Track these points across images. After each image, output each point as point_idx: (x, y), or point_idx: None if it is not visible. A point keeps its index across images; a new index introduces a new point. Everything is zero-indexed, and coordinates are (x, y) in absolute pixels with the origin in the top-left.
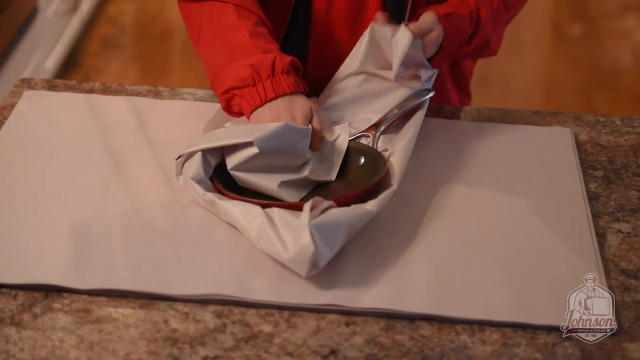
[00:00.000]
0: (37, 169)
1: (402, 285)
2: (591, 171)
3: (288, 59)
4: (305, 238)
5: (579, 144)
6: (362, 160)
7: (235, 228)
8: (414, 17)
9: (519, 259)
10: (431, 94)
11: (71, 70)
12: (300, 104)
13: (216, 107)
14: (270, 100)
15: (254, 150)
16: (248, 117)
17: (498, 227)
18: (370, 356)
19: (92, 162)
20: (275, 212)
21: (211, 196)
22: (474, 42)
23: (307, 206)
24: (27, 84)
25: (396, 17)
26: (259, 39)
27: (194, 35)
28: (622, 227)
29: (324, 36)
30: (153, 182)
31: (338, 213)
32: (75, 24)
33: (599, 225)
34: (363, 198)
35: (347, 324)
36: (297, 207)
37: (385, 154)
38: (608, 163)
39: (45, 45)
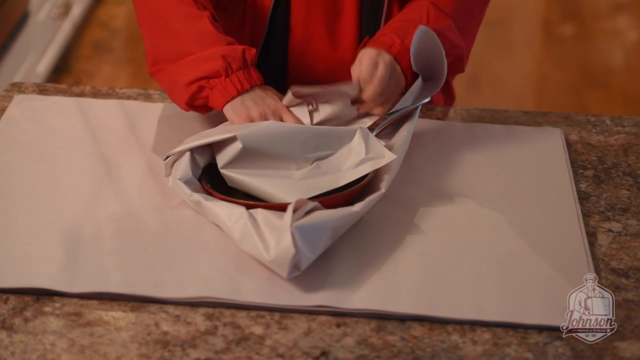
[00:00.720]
0: (27, 172)
1: (392, 286)
2: (581, 171)
3: (254, 50)
4: (287, 240)
5: (569, 144)
6: None
7: (224, 232)
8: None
9: (510, 259)
10: (426, 100)
11: (63, 75)
12: (273, 91)
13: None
14: (245, 92)
15: (238, 145)
16: (220, 110)
17: (489, 228)
18: (361, 357)
19: (83, 165)
20: (259, 213)
21: (197, 197)
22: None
23: (290, 207)
24: (18, 88)
25: (372, 24)
26: (220, 30)
27: (142, 20)
28: (612, 227)
29: (302, 44)
30: (144, 185)
31: (322, 215)
32: (66, 28)
33: (590, 225)
34: (351, 201)
35: (338, 325)
36: (282, 208)
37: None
38: (598, 163)
39: (37, 49)
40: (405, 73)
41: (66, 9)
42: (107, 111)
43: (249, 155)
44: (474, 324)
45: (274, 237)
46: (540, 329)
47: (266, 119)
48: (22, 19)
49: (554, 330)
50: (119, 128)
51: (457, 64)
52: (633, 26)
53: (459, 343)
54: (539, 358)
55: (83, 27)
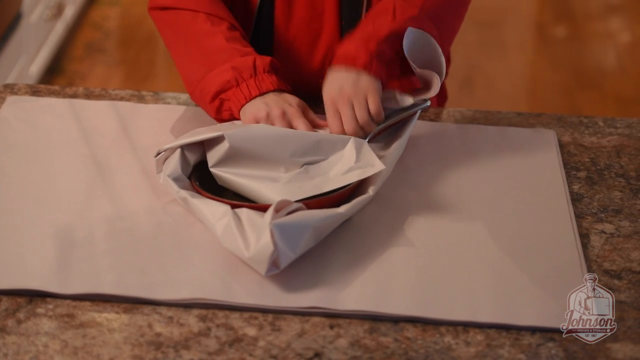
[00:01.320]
0: (20, 174)
1: (386, 287)
2: (574, 172)
3: (268, 59)
4: (266, 237)
5: (562, 145)
6: None
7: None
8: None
9: (503, 260)
10: (427, 104)
11: (55, 76)
12: (291, 96)
13: (199, 110)
14: (255, 97)
15: (226, 144)
16: (239, 119)
17: (482, 229)
18: (355, 358)
19: (76, 166)
20: (244, 212)
21: (184, 194)
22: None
23: (272, 207)
24: (10, 89)
25: (351, 27)
26: (235, 43)
27: (169, 44)
28: (605, 228)
29: (286, 49)
30: (137, 186)
31: (304, 215)
32: (59, 29)
33: (582, 226)
34: (338, 203)
35: (332, 327)
36: (267, 209)
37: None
38: (591, 164)
39: (30, 50)
40: (377, 75)
41: (59, 10)
42: (99, 112)
43: (238, 156)
44: (467, 326)
45: (254, 235)
46: (533, 330)
47: (272, 122)
48: (15, 20)
49: (547, 331)
50: (111, 129)
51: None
52: (625, 27)
53: (452, 344)
54: (532, 359)
55: (76, 29)
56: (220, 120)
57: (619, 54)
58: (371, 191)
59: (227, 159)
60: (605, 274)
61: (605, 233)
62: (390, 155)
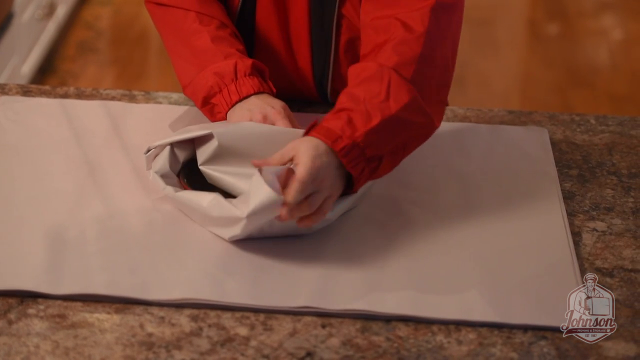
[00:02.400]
0: (11, 174)
1: (378, 286)
2: (566, 170)
3: (249, 61)
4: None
5: (553, 143)
6: None
7: (210, 232)
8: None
9: (495, 259)
10: None
11: (48, 75)
12: (274, 100)
13: (190, 110)
14: (236, 102)
15: (215, 142)
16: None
17: (473, 227)
18: (347, 358)
19: (67, 166)
20: (231, 200)
21: (170, 190)
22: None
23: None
24: (1, 89)
25: (322, 41)
26: (220, 44)
27: (163, 40)
28: (597, 226)
29: (267, 51)
30: (128, 186)
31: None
32: (51, 28)
33: (574, 224)
34: None
35: (323, 326)
36: None
37: None
38: (583, 162)
39: (21, 50)
40: (350, 171)
41: (51, 10)
42: (91, 112)
43: (227, 154)
44: (459, 324)
45: (243, 198)
46: (525, 328)
47: None
48: (7, 20)
49: (539, 329)
50: (102, 129)
51: (425, 135)
52: (618, 25)
53: (444, 343)
54: (524, 358)
55: (68, 28)
56: (216, 121)
57: (612, 51)
58: (357, 191)
59: (216, 157)
60: (597, 272)
61: (597, 231)
62: None
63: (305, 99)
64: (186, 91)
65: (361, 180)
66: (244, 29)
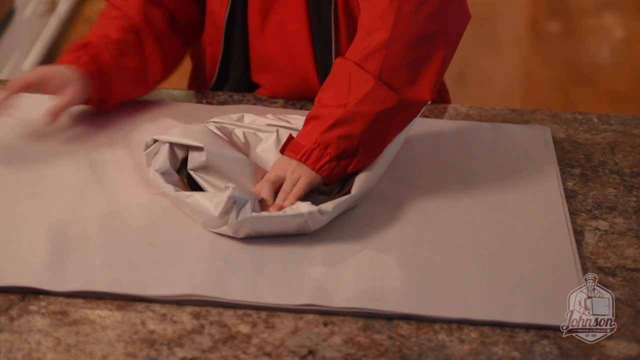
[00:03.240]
0: (13, 171)
1: (380, 285)
2: (568, 169)
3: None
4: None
5: (556, 142)
6: None
7: (210, 231)
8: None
9: (497, 257)
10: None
11: None
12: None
13: (193, 106)
14: None
15: (203, 157)
16: None
17: (476, 226)
18: (349, 356)
19: (69, 163)
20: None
21: (170, 189)
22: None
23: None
24: (2, 85)
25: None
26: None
27: None
28: (599, 225)
29: (264, 59)
30: (130, 183)
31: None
32: (52, 24)
33: (577, 223)
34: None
35: (325, 324)
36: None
37: None
38: (585, 161)
39: (23, 46)
40: (319, 172)
41: (52, 6)
42: (92, 109)
43: (213, 170)
44: (461, 323)
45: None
46: (527, 327)
47: None
48: (8, 16)
49: (541, 328)
50: (104, 126)
51: (406, 116)
52: (619, 23)
53: (446, 342)
54: (526, 357)
55: (69, 24)
56: None
57: (613, 49)
58: (355, 191)
59: (203, 168)
60: (600, 271)
61: (599, 230)
62: (384, 154)
63: (308, 97)
64: None
65: (334, 177)
66: (233, 35)
